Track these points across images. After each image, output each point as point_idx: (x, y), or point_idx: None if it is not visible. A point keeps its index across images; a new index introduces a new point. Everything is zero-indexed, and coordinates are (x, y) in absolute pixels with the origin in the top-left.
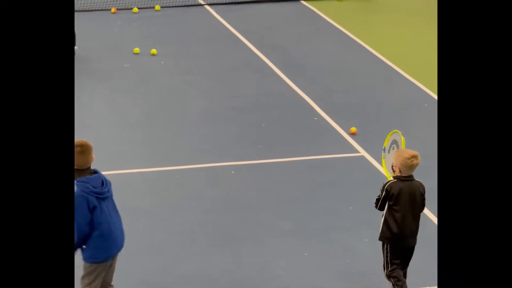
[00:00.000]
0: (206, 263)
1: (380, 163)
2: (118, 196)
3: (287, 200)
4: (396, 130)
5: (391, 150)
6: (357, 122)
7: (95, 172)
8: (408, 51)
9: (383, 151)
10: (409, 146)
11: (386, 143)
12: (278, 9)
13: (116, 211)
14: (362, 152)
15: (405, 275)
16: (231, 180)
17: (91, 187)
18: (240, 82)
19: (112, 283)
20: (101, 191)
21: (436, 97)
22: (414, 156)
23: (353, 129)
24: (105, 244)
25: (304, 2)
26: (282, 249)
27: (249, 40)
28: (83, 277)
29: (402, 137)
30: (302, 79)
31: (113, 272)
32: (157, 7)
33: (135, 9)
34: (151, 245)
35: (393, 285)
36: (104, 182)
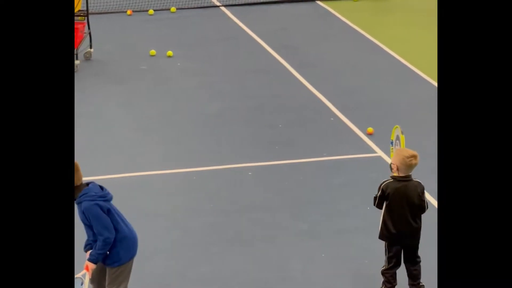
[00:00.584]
0: (222, 264)
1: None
2: (135, 198)
3: (303, 201)
4: (397, 126)
5: (395, 146)
6: (374, 122)
7: (88, 184)
8: (423, 50)
9: (391, 144)
10: (423, 145)
11: (393, 137)
12: (294, 9)
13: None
14: (379, 152)
15: (416, 276)
16: (248, 181)
17: (93, 193)
18: (256, 83)
19: None
20: (104, 194)
21: None
22: (414, 156)
23: (370, 129)
24: (129, 244)
25: (319, 2)
26: (299, 250)
27: (264, 41)
28: (111, 284)
29: (402, 135)
30: (318, 79)
31: None
32: (173, 9)
33: (151, 11)
34: (167, 246)
35: (382, 282)
36: (101, 187)
